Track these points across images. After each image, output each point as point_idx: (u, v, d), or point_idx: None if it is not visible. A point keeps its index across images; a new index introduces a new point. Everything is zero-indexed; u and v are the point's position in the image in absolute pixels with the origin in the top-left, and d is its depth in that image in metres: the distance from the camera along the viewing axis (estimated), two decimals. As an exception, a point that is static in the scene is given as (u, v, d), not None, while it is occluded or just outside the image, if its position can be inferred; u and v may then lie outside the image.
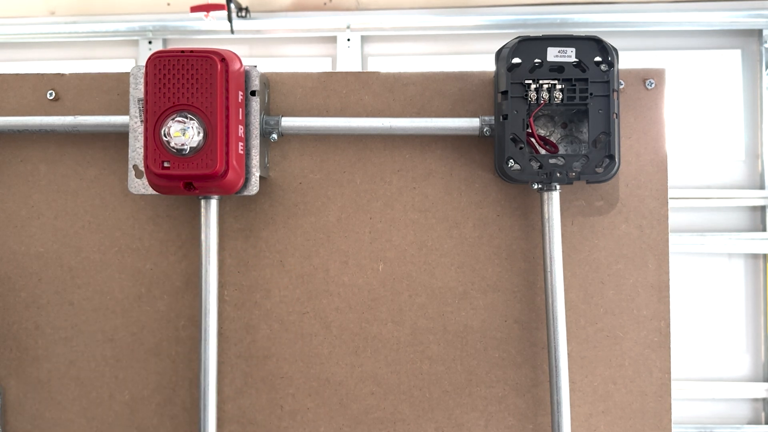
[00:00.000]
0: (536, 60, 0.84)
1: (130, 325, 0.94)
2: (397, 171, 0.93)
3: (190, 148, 0.78)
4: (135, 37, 2.01)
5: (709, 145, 1.92)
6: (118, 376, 0.94)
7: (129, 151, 0.87)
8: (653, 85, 0.91)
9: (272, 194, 0.93)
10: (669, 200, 0.91)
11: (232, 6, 1.88)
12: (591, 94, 0.84)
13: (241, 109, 0.83)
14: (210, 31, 1.99)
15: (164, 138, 0.78)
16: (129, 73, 0.87)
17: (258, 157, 0.86)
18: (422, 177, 0.92)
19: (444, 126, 0.89)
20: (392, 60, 2.01)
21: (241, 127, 0.83)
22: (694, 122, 1.92)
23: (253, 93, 0.86)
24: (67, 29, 2.00)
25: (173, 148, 0.78)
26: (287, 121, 0.89)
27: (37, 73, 0.95)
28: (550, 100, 0.84)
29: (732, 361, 1.92)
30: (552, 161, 0.85)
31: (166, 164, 0.79)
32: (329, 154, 0.93)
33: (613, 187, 0.91)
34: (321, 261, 0.92)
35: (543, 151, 0.87)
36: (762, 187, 1.89)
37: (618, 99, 0.84)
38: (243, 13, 1.94)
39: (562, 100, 0.84)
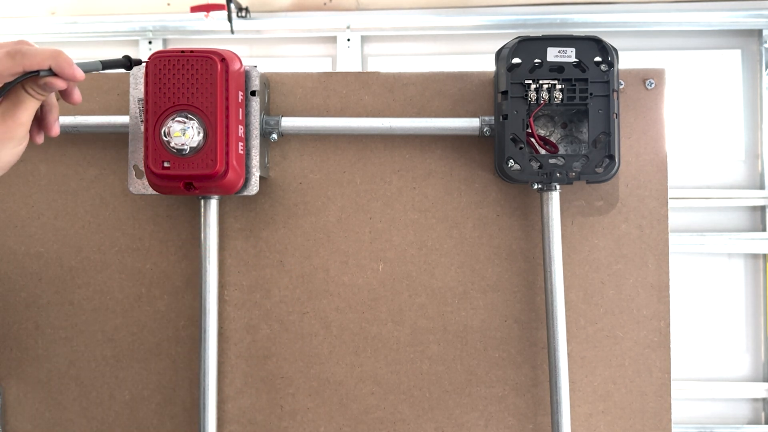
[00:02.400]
0: (536, 60, 0.84)
1: (130, 325, 0.94)
2: (397, 171, 0.93)
3: (190, 148, 0.78)
4: (135, 37, 2.01)
5: (709, 145, 1.92)
6: (118, 376, 0.94)
7: (129, 151, 0.87)
8: (653, 85, 0.91)
9: (272, 194, 0.93)
10: (669, 200, 0.91)
11: (232, 6, 1.88)
12: (591, 94, 0.84)
13: (241, 109, 0.83)
14: (210, 31, 1.99)
15: (164, 138, 0.78)
16: (129, 73, 0.87)
17: (258, 157, 0.86)
18: (422, 177, 0.92)
19: (444, 126, 0.89)
20: (392, 60, 2.01)
21: (241, 127, 0.83)
22: (694, 122, 1.92)
23: (253, 93, 0.86)
24: (67, 29, 2.00)
25: (173, 148, 0.78)
26: (287, 121, 0.89)
27: (37, 73, 0.95)
28: (550, 100, 0.84)
29: (732, 361, 1.92)
30: (552, 161, 0.85)
31: (166, 164, 0.79)
32: (329, 154, 0.93)
33: (613, 187, 0.91)
34: (321, 261, 0.92)
35: (543, 151, 0.87)
36: (762, 187, 1.89)
37: (618, 99, 0.84)
38: (243, 13, 1.94)
39: (562, 100, 0.84)
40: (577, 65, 0.84)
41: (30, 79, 0.64)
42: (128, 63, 0.75)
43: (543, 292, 0.91)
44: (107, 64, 0.71)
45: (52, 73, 0.64)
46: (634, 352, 0.91)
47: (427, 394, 0.92)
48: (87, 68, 0.69)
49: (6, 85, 0.62)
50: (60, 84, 0.65)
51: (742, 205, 1.90)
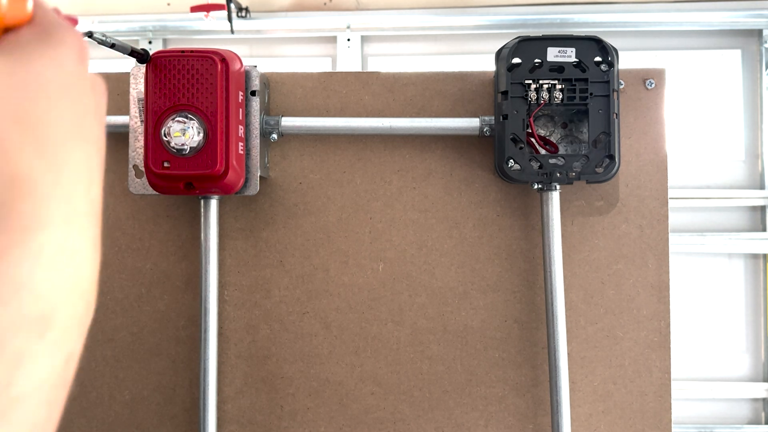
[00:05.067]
0: (536, 60, 0.84)
1: (130, 325, 0.94)
2: (397, 171, 0.93)
3: (190, 148, 0.78)
4: (135, 37, 2.01)
5: (709, 145, 1.92)
6: (118, 376, 0.94)
7: (129, 151, 0.87)
8: (653, 85, 0.91)
9: (272, 194, 0.93)
10: (669, 200, 0.91)
11: (232, 6, 1.88)
12: (591, 94, 0.84)
13: (241, 109, 0.83)
14: (210, 31, 1.99)
15: (164, 138, 0.78)
16: (129, 73, 0.87)
17: (258, 157, 0.86)
18: (422, 177, 0.92)
19: (444, 126, 0.89)
20: (392, 60, 2.01)
21: (241, 127, 0.83)
22: (694, 122, 1.92)
23: (253, 93, 0.86)
24: (67, 29, 1.99)
25: (173, 148, 0.78)
26: (287, 121, 0.89)
27: (37, 73, 0.95)
28: (550, 100, 0.84)
29: (732, 361, 1.92)
30: (552, 161, 0.85)
31: (166, 164, 0.79)
32: (329, 154, 0.93)
33: (613, 187, 0.91)
34: (321, 261, 0.92)
35: (543, 151, 0.87)
36: (762, 187, 1.89)
37: (618, 99, 0.84)
38: (243, 13, 1.94)
39: (562, 100, 0.84)
40: (577, 65, 0.84)
41: None
42: (145, 57, 0.75)
43: (543, 292, 0.91)
44: (132, 52, 0.71)
45: None
46: (634, 352, 0.90)
47: (427, 394, 0.92)
48: (120, 45, 0.69)
49: None
50: None
51: (742, 205, 1.90)
